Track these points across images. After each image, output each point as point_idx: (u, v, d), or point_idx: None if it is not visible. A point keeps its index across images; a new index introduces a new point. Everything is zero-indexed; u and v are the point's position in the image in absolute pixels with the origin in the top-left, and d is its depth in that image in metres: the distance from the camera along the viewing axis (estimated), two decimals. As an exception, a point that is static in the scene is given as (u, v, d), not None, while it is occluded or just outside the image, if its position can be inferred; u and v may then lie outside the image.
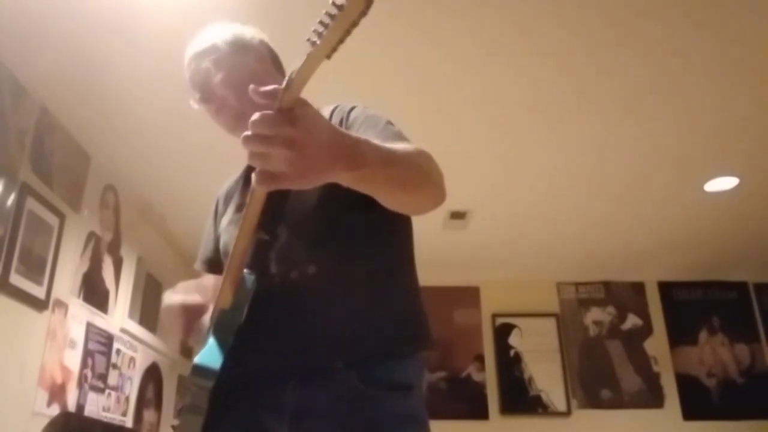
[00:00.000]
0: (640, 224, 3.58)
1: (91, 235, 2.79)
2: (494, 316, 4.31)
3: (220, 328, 0.97)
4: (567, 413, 4.05)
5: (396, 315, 1.03)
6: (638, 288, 4.40)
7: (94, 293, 2.80)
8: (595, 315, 4.35)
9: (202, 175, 3.04)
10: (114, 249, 3.04)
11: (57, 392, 2.44)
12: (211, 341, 0.96)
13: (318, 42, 0.59)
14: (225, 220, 1.19)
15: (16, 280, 2.19)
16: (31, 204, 2.31)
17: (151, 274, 3.49)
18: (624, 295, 4.40)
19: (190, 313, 1.07)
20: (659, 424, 4.01)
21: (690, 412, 4.04)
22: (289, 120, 0.65)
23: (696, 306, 4.33)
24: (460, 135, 2.68)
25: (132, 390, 3.19)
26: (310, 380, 0.96)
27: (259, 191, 0.80)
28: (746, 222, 3.54)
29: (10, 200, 2.20)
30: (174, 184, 3.12)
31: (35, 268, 2.33)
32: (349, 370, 0.96)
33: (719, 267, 4.20)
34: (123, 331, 3.07)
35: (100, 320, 2.84)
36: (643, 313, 4.33)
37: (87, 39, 2.09)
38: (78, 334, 2.64)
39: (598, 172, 3.01)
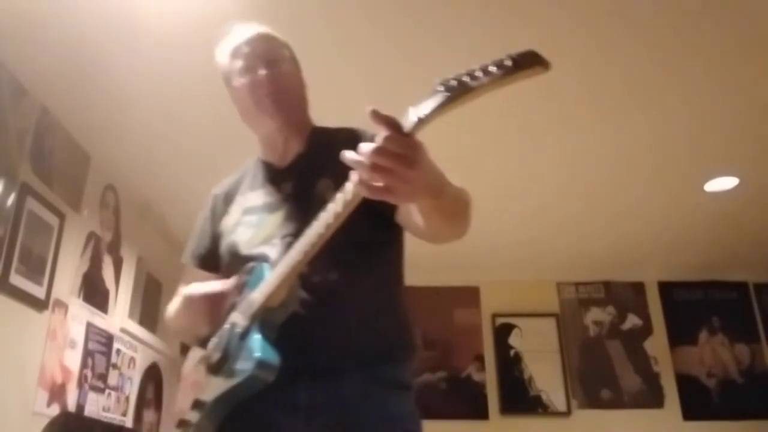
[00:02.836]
0: (640, 224, 3.58)
1: (91, 235, 2.79)
2: (494, 316, 4.30)
3: (268, 326, 1.02)
4: (567, 413, 4.05)
5: (396, 324, 1.15)
6: (638, 288, 4.39)
7: (94, 293, 2.80)
8: (595, 315, 4.34)
9: (202, 175, 3.02)
10: (114, 249, 3.04)
11: (57, 392, 2.44)
12: (258, 337, 1.01)
13: (473, 88, 0.69)
14: (230, 221, 1.23)
15: (16, 280, 2.19)
16: (31, 204, 2.31)
17: (151, 274, 3.49)
18: (624, 295, 4.39)
19: (214, 303, 1.11)
20: (659, 424, 4.01)
21: (690, 412, 4.03)
22: (417, 146, 0.76)
23: (696, 306, 4.33)
24: (460, 135, 2.67)
25: (132, 390, 3.19)
26: (323, 378, 1.04)
27: (355, 198, 0.84)
28: (746, 222, 3.54)
29: (10, 200, 2.20)
30: (174, 184, 3.12)
31: (35, 268, 2.33)
32: (358, 370, 1.05)
33: (719, 267, 4.19)
34: (123, 331, 3.07)
35: (100, 320, 2.84)
36: (643, 313, 4.33)
37: (87, 39, 2.09)
38: (78, 334, 2.64)
39: (597, 172, 3.01)
